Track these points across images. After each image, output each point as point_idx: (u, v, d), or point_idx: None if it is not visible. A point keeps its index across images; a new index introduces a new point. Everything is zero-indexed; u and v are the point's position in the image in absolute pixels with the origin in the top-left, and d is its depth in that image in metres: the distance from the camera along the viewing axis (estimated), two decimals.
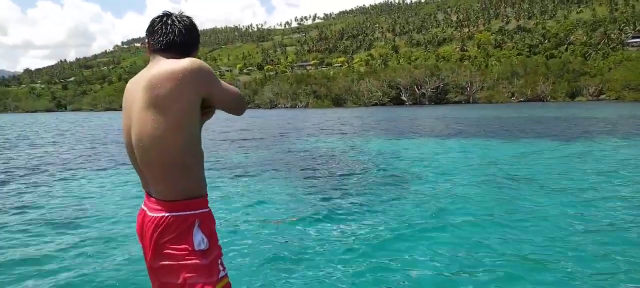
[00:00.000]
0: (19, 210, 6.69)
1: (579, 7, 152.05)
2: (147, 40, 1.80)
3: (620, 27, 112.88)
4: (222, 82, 1.77)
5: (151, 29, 1.78)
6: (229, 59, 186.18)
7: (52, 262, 4.43)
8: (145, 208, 1.79)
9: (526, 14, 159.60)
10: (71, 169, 11.06)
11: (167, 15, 1.79)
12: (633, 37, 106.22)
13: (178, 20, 1.77)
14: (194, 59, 1.67)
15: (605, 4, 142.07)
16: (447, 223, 5.45)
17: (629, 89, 62.08)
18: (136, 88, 1.70)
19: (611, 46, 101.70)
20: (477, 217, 5.71)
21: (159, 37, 1.74)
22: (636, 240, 4.58)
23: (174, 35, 1.74)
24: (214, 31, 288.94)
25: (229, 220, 5.71)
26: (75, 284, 3.86)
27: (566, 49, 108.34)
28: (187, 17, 1.82)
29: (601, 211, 5.79)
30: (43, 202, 7.30)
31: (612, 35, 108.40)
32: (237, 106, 1.85)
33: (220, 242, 1.84)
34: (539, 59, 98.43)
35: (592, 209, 5.92)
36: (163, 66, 1.65)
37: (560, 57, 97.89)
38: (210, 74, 1.69)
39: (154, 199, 1.75)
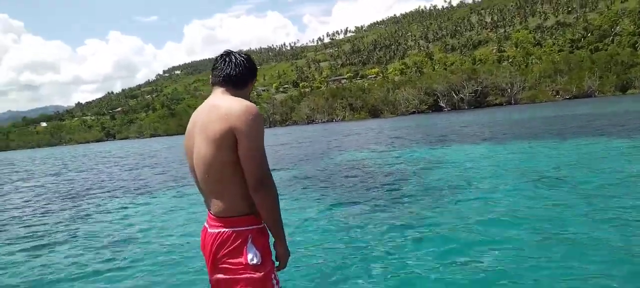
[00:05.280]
0: (97, 226, 7.11)
1: None
2: (211, 74, 2.07)
3: None
4: (260, 149, 1.81)
5: (214, 65, 2.04)
6: (264, 79, 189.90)
7: (119, 275, 4.69)
8: (207, 225, 1.97)
9: (565, 8, 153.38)
10: (140, 191, 11.60)
11: (228, 53, 2.04)
12: None
13: (235, 57, 2.01)
14: (250, 106, 1.82)
15: None
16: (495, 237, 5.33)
17: None
18: (198, 116, 1.94)
19: None
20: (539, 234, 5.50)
21: (219, 72, 2.00)
22: None
23: (230, 70, 1.98)
24: (248, 53, 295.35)
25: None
26: None
27: (612, 41, 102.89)
28: (245, 54, 2.05)
29: None
30: (115, 220, 7.72)
31: None
32: (255, 176, 1.79)
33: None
34: (582, 53, 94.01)
35: None
36: (220, 102, 1.87)
37: (606, 50, 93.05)
38: (253, 127, 1.78)
39: (213, 216, 1.93)
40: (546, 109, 42.09)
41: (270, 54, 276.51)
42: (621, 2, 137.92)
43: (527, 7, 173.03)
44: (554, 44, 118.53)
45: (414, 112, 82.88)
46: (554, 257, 4.04)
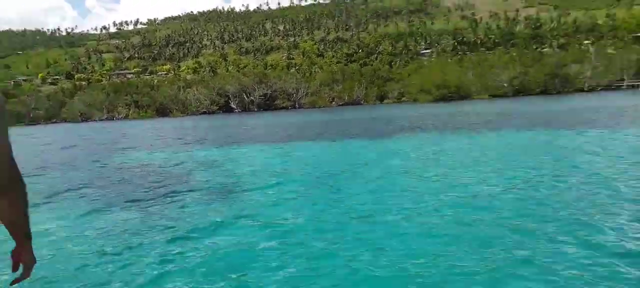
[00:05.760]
0: None
1: (386, 21, 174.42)
2: None
3: (416, 40, 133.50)
4: (8, 142, 1.48)
5: None
6: (28, 67, 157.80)
7: None
8: None
9: (344, 26, 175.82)
10: None
11: None
12: (425, 49, 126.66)
13: None
14: None
15: (405, 21, 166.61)
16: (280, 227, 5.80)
17: (423, 92, 73.11)
18: None
19: (410, 56, 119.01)
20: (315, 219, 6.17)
21: None
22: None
23: None
24: (8, 34, 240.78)
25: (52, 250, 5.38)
26: None
27: (376, 58, 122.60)
28: None
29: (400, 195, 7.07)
30: None
31: (410, 46, 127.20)
32: (7, 173, 1.46)
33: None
34: (354, 66, 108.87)
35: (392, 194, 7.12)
36: None
37: (371, 65, 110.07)
38: (2, 117, 1.43)
39: None
40: (323, 114, 46.44)
41: (38, 38, 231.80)
42: (384, 26, 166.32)
43: (315, 20, 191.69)
44: (333, 56, 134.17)
45: (204, 112, 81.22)
46: (280, 242, 5.06)
